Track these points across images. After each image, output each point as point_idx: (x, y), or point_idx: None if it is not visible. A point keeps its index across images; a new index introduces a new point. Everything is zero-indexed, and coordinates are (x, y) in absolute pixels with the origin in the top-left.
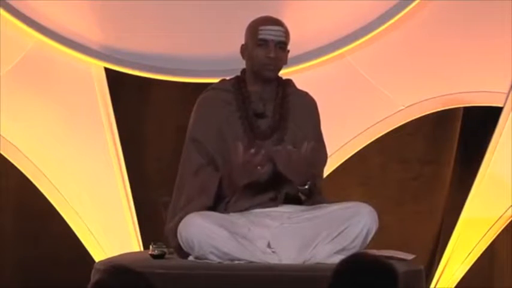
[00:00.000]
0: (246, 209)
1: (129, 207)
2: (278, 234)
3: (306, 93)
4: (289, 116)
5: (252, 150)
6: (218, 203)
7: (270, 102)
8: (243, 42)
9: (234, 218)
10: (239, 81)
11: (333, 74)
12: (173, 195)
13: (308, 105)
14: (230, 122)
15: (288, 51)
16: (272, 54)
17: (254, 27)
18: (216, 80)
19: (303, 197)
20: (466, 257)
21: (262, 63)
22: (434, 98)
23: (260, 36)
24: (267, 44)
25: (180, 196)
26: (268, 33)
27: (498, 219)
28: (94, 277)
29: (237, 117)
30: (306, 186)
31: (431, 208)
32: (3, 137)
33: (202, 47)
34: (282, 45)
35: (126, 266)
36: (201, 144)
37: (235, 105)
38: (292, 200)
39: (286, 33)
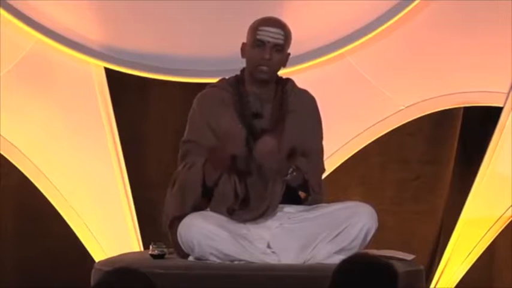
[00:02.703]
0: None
1: (129, 207)
2: (278, 235)
3: (306, 91)
4: (287, 117)
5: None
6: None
7: (267, 103)
8: (242, 42)
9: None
10: (238, 81)
11: (333, 74)
12: (166, 197)
13: (307, 104)
14: (227, 122)
15: (289, 54)
16: (267, 56)
17: (254, 27)
18: (216, 80)
19: (293, 184)
20: (466, 257)
21: (257, 64)
22: (434, 98)
23: (257, 37)
24: (263, 45)
25: (171, 197)
26: (265, 34)
27: (498, 219)
28: (96, 277)
29: (234, 117)
30: (289, 174)
31: (431, 208)
32: (3, 137)
33: (202, 47)
34: (279, 47)
35: (130, 267)
36: (194, 143)
37: (233, 104)
38: (292, 200)
39: (286, 36)
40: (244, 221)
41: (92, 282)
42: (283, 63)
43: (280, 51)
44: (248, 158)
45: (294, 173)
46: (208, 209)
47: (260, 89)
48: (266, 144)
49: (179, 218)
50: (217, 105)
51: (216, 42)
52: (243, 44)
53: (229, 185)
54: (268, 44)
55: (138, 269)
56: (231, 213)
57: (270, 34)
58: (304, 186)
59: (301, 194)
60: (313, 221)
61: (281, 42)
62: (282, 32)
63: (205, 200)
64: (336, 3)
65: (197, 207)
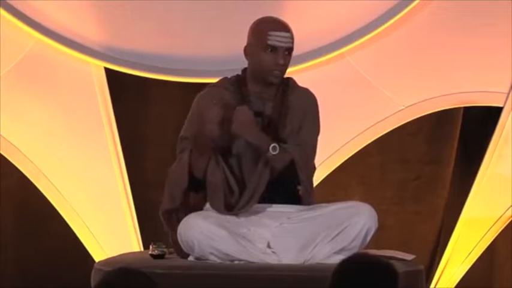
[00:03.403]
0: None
1: (129, 207)
2: (278, 234)
3: (306, 90)
4: (287, 116)
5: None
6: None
7: (269, 102)
8: (242, 42)
9: (234, 217)
10: (239, 80)
11: (333, 74)
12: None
13: (307, 102)
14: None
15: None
16: (281, 62)
17: (263, 31)
18: (216, 80)
19: (278, 165)
20: (466, 257)
21: (270, 69)
22: (434, 98)
23: (270, 42)
24: (275, 51)
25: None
26: (277, 39)
27: (498, 219)
28: (96, 277)
29: None
30: (271, 149)
31: (431, 208)
32: (3, 137)
33: (202, 47)
34: (289, 51)
35: (131, 267)
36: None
37: (234, 104)
38: (292, 200)
39: (293, 39)
40: (238, 211)
41: (92, 282)
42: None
43: (290, 54)
44: (237, 141)
45: (277, 149)
46: (207, 203)
47: (261, 88)
48: (242, 113)
49: (169, 212)
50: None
51: (216, 42)
52: (246, 46)
53: (219, 173)
54: (281, 49)
55: (139, 269)
56: (230, 210)
57: (281, 39)
58: (293, 174)
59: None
60: (313, 220)
61: (291, 45)
62: (290, 35)
63: (200, 197)
64: (336, 3)
65: (189, 201)
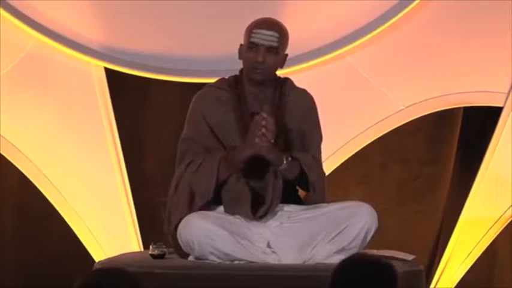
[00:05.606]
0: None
1: (129, 207)
2: (278, 234)
3: (304, 91)
4: (285, 116)
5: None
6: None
7: (266, 103)
8: (240, 44)
9: (234, 217)
10: (236, 81)
11: (333, 74)
12: (169, 196)
13: (305, 104)
14: (225, 122)
15: (286, 55)
16: (260, 59)
17: (249, 29)
18: (215, 80)
19: (290, 176)
20: (466, 257)
21: (251, 66)
22: (434, 98)
23: (251, 40)
24: (257, 48)
25: (177, 195)
26: (259, 37)
27: (498, 219)
28: (82, 278)
29: (232, 117)
30: (284, 162)
31: (431, 208)
32: (3, 137)
33: (201, 47)
34: (273, 50)
35: (115, 267)
36: (193, 141)
37: (231, 104)
38: (292, 200)
39: (280, 38)
40: (258, 218)
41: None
42: (280, 65)
43: (275, 54)
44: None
45: (289, 159)
46: (218, 208)
47: (258, 89)
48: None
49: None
50: (215, 104)
51: (216, 42)
52: (241, 45)
53: (242, 182)
54: (262, 47)
55: (124, 268)
56: (261, 217)
57: (263, 37)
58: (303, 181)
59: (302, 194)
60: (313, 220)
61: (275, 44)
62: (277, 34)
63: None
64: (336, 3)
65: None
